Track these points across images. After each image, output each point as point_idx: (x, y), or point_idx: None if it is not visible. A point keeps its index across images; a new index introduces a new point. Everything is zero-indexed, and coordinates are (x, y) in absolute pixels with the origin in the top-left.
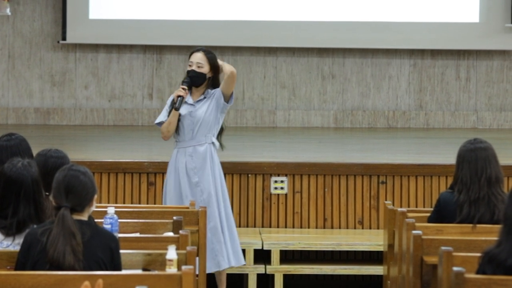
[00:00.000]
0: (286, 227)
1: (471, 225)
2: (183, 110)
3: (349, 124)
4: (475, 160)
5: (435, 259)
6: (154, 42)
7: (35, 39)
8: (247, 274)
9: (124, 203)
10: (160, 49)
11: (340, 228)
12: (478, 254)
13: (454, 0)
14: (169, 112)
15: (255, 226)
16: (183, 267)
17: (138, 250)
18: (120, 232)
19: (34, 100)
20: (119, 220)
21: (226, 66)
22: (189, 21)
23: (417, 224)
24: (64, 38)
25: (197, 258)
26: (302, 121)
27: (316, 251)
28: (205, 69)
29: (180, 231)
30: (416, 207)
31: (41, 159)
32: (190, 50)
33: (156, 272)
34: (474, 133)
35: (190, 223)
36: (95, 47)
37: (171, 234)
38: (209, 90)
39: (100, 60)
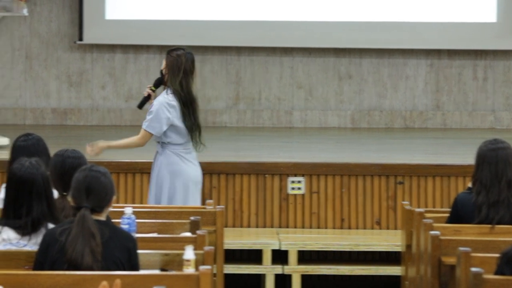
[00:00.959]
0: (303, 227)
1: (489, 225)
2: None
3: (366, 124)
4: (495, 161)
5: (453, 259)
6: (171, 42)
7: (52, 40)
8: (264, 275)
9: (141, 203)
10: None
11: (357, 228)
12: (497, 255)
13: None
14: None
15: (272, 227)
16: (201, 267)
17: (155, 250)
18: (137, 232)
19: (51, 101)
20: (137, 220)
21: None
22: (205, 21)
23: (435, 225)
24: (80, 39)
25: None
26: (319, 122)
27: (334, 252)
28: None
29: (198, 231)
30: (434, 207)
31: (59, 160)
32: (207, 50)
33: (173, 272)
34: (491, 133)
35: (208, 223)
36: (112, 48)
37: (188, 234)
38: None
39: (117, 60)
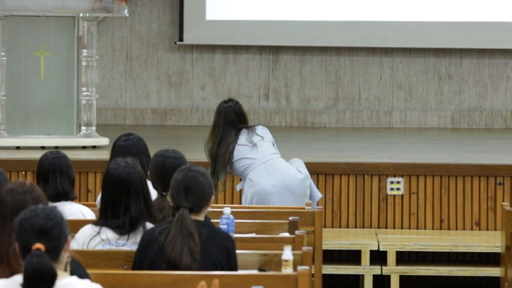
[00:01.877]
0: (402, 228)
1: None
2: None
3: (466, 124)
4: None
5: None
6: (270, 42)
7: (152, 40)
8: (363, 275)
9: (240, 203)
10: (276, 50)
11: (456, 229)
12: None
13: None
14: None
15: (371, 227)
16: (299, 268)
17: (254, 250)
18: (236, 233)
19: (151, 101)
20: (235, 221)
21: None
22: (305, 21)
23: None
24: (181, 39)
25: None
26: (419, 122)
27: (433, 252)
28: None
29: (296, 232)
30: None
31: (159, 160)
32: (306, 50)
33: (272, 273)
34: None
35: (306, 224)
36: (212, 48)
37: (287, 234)
38: None
39: (217, 61)
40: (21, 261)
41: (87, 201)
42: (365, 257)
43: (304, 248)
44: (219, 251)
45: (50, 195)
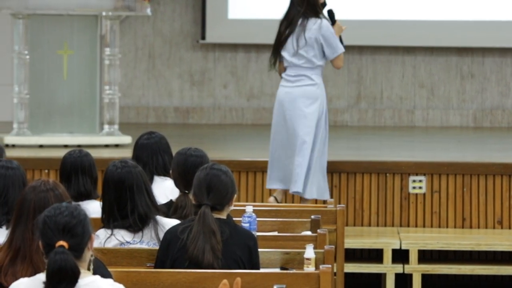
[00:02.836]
0: (424, 226)
1: None
2: None
3: (489, 123)
4: None
5: None
6: None
7: (175, 39)
8: (385, 274)
9: (262, 201)
10: None
11: (479, 228)
12: None
13: None
14: None
15: (393, 226)
16: (321, 266)
17: (276, 248)
18: (258, 231)
19: (173, 99)
20: (257, 219)
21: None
22: None
23: None
24: (203, 38)
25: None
26: (441, 121)
27: (455, 251)
28: None
29: (318, 230)
30: None
31: (181, 158)
32: None
33: (294, 271)
34: None
35: (328, 222)
36: (234, 47)
37: (309, 233)
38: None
39: (239, 59)
40: (45, 259)
41: None
42: (387, 256)
43: (326, 247)
44: (241, 249)
45: (72, 195)
